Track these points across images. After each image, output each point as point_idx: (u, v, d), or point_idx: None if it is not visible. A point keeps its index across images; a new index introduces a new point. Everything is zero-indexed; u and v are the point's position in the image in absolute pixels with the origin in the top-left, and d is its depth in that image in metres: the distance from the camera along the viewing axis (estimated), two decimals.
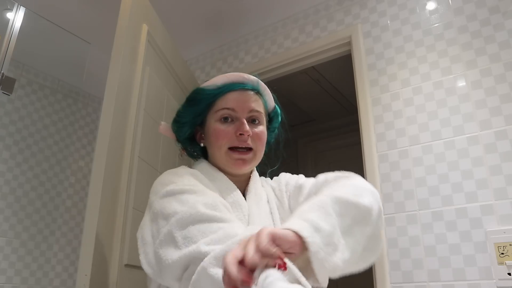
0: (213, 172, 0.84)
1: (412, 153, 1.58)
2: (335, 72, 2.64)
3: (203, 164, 0.87)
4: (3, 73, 1.73)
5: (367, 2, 1.92)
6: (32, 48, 2.29)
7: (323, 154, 3.52)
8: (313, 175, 0.88)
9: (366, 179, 1.63)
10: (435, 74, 1.62)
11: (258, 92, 0.88)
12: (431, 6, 1.73)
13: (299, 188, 0.88)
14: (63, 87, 2.67)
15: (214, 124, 0.84)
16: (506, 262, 1.28)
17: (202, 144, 0.90)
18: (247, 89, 0.85)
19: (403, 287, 1.44)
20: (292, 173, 0.97)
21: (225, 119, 0.83)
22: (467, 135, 1.48)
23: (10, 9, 1.88)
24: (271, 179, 0.98)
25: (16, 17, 1.86)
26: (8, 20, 1.84)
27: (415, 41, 1.71)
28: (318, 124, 3.46)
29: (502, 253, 1.30)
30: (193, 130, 0.90)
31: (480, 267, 1.33)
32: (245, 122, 0.82)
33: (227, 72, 0.89)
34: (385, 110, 1.70)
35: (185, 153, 0.96)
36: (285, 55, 2.11)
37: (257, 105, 0.86)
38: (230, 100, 0.84)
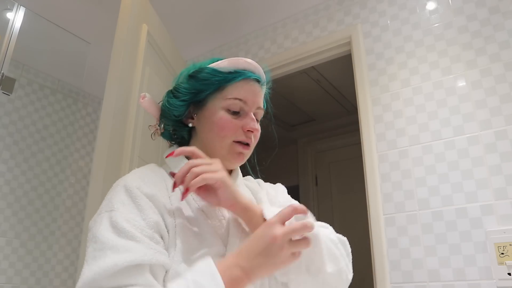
0: None
1: (412, 153, 1.58)
2: (335, 72, 2.64)
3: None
4: (3, 73, 1.73)
5: (367, 2, 1.92)
6: (32, 48, 2.29)
7: (323, 154, 3.51)
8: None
9: (366, 179, 1.65)
10: (435, 74, 1.62)
11: (262, 86, 0.85)
12: (431, 6, 1.73)
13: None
14: (63, 87, 2.67)
15: (220, 112, 0.78)
16: (506, 262, 1.28)
17: (190, 125, 0.83)
18: (257, 81, 0.82)
19: (403, 287, 1.44)
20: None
21: (234, 111, 0.79)
22: (467, 135, 1.48)
23: (10, 9, 1.87)
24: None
25: (16, 17, 1.85)
26: (8, 20, 1.84)
27: (415, 41, 1.71)
28: (318, 124, 3.46)
29: (502, 253, 1.30)
30: (188, 109, 0.83)
31: (480, 267, 1.33)
32: (255, 118, 0.79)
33: None
34: (385, 110, 1.70)
35: (160, 134, 0.89)
36: (285, 55, 2.11)
37: (261, 101, 0.83)
38: (242, 90, 0.79)
